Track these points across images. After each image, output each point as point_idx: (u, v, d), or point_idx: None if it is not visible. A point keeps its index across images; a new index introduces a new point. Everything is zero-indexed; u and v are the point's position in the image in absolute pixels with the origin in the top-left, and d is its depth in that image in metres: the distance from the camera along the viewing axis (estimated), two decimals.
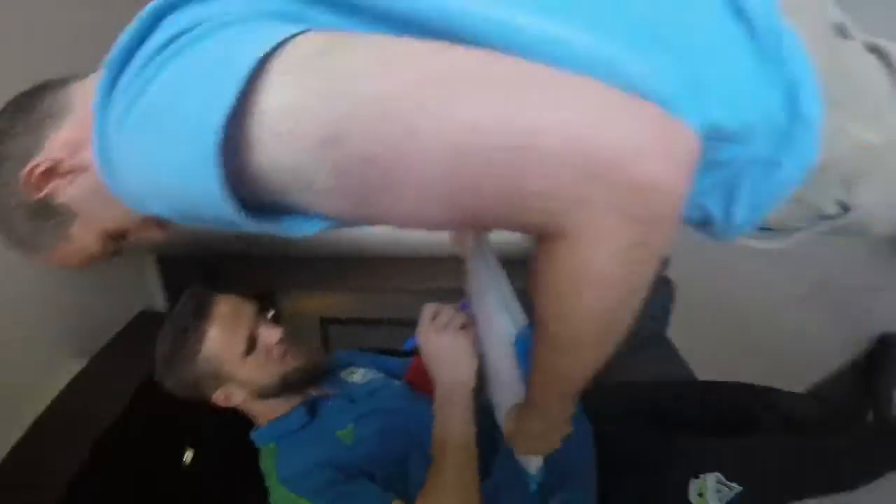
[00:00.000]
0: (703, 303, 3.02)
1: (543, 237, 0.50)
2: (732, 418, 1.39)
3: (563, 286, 0.52)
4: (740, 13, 0.65)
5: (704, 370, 2.28)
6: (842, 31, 0.76)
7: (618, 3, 0.61)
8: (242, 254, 2.65)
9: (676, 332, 3.36)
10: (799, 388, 1.78)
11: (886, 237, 1.00)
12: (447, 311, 1.19)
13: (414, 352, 1.35)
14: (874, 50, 0.81)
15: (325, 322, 3.78)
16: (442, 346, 1.14)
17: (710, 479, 1.18)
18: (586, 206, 0.45)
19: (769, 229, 0.86)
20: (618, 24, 0.60)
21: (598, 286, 0.51)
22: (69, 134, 0.71)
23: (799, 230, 0.86)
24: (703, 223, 0.79)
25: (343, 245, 2.90)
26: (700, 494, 1.17)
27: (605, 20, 0.59)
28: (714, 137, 0.63)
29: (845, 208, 0.83)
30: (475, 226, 0.52)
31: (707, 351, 2.88)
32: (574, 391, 0.76)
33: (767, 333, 2.45)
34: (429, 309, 1.13)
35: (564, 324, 0.57)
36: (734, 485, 1.19)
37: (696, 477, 1.18)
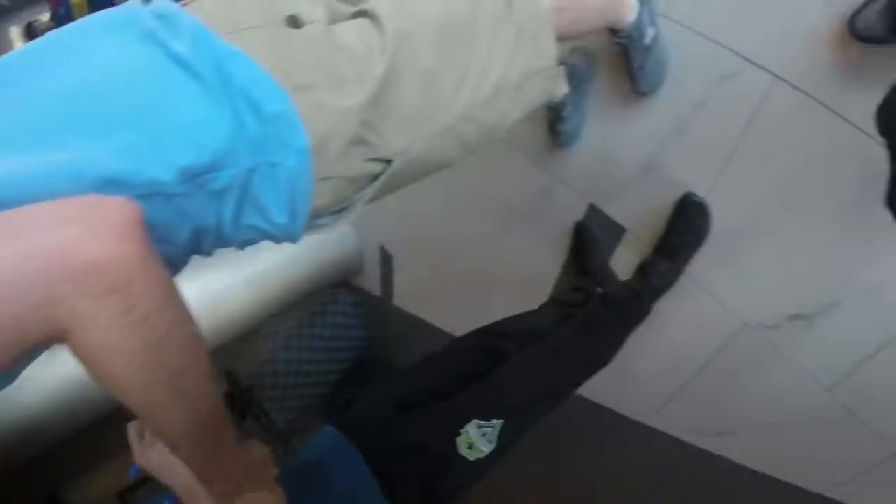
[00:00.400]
0: (424, 274, 3.30)
1: (62, 341, 0.53)
2: (479, 366, 1.45)
3: (96, 370, 0.55)
4: (182, 65, 0.72)
5: (458, 329, 2.37)
6: (294, 22, 0.84)
7: (67, 110, 0.67)
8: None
9: (408, 302, 3.72)
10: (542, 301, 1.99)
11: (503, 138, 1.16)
12: None
13: (144, 477, 1.31)
14: (360, 14, 0.92)
15: (123, 494, 3.69)
16: (159, 457, 1.06)
17: (471, 428, 1.25)
18: (62, 304, 0.49)
19: (336, 212, 0.95)
20: (69, 128, 0.66)
21: (117, 356, 0.54)
22: None
23: (360, 199, 0.95)
24: (265, 236, 0.86)
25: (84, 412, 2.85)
26: (469, 446, 1.25)
27: (56, 130, 0.66)
28: (199, 174, 0.71)
29: (386, 160, 0.93)
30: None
31: (449, 310, 3.18)
32: (205, 448, 0.74)
33: (490, 276, 2.66)
34: (133, 429, 1.05)
35: (126, 397, 0.59)
36: (493, 421, 1.28)
37: (458, 434, 1.25)
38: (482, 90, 1.01)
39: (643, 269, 1.75)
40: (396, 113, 0.92)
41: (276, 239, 0.88)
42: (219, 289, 3.34)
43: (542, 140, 1.94)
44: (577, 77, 1.61)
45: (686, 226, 1.62)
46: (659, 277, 1.72)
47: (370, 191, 0.95)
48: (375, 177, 0.94)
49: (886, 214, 1.25)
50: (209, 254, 0.85)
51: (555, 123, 1.76)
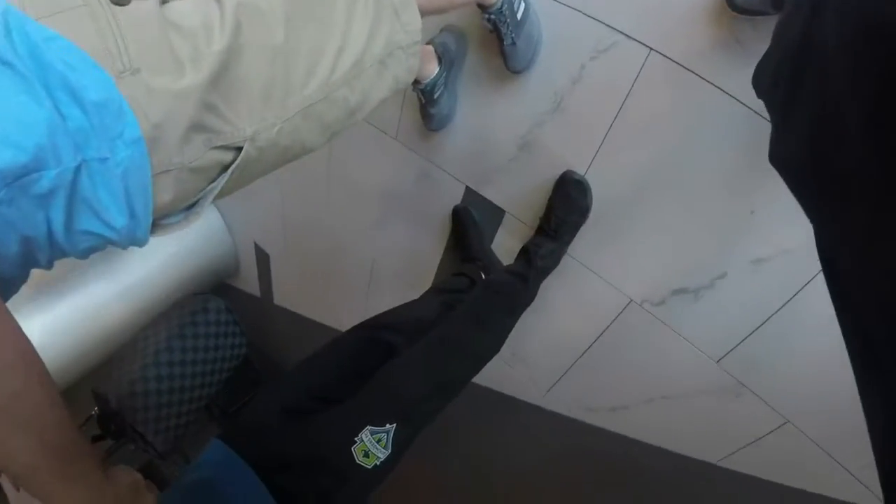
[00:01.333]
0: (303, 270, 3.25)
1: None
2: (365, 362, 1.39)
3: None
4: (3, 62, 0.63)
5: (343, 324, 2.39)
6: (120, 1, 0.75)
7: None
8: None
9: (290, 300, 3.70)
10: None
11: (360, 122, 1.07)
12: None
13: None
14: None
15: None
16: None
17: (365, 435, 1.20)
18: None
19: (187, 209, 0.86)
20: None
21: None
22: None
23: (212, 191, 0.86)
24: (106, 242, 0.78)
25: None
26: (365, 454, 1.19)
27: None
28: (18, 177, 0.62)
29: (236, 148, 0.85)
30: None
31: (332, 306, 3.17)
32: (62, 482, 0.68)
33: (371, 266, 2.62)
34: (7, 478, 0.97)
35: None
36: (387, 425, 1.22)
37: (353, 443, 1.19)
38: (340, 67, 0.93)
39: (526, 252, 1.71)
40: (242, 94, 0.83)
41: (120, 244, 0.79)
42: (91, 305, 3.16)
43: (415, 124, 1.86)
44: (447, 57, 1.52)
45: (567, 204, 1.58)
46: (542, 259, 1.68)
47: (221, 182, 0.86)
48: (226, 167, 0.85)
49: (768, 182, 1.26)
50: (48, 266, 0.76)
51: (427, 106, 1.67)
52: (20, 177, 0.62)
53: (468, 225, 1.92)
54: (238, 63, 0.82)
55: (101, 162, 0.69)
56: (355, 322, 1.53)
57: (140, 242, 0.81)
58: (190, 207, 0.87)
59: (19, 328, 0.59)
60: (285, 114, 0.89)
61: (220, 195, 0.89)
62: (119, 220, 0.74)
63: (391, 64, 1.02)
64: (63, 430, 0.64)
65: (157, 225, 0.84)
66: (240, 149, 0.85)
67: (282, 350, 4.72)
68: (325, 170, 2.41)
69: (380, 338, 1.47)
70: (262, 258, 3.62)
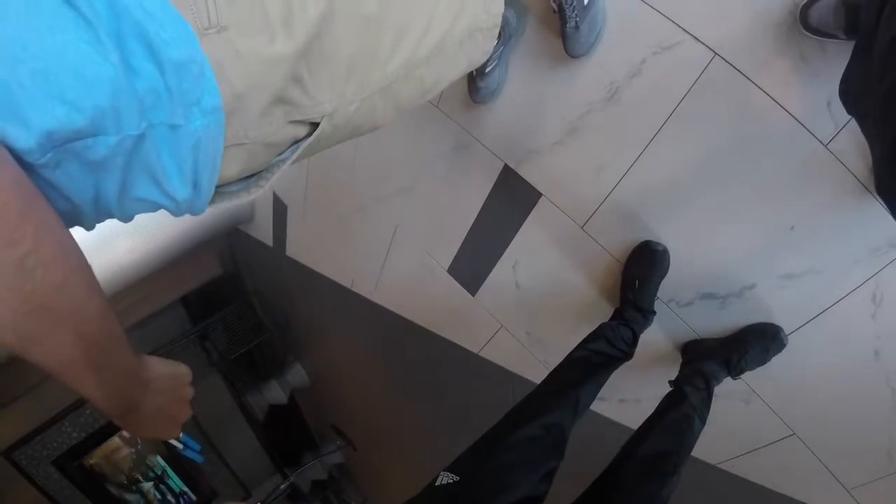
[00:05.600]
0: (321, 227, 3.17)
1: None
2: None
3: None
4: (66, 1, 0.53)
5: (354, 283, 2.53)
6: None
7: None
8: None
9: (302, 254, 3.68)
10: None
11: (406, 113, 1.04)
12: None
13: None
14: None
15: (11, 451, 3.49)
16: None
17: None
18: None
19: (247, 178, 0.82)
20: None
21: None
22: None
23: (278, 166, 0.82)
24: (159, 209, 0.73)
25: None
26: None
27: None
28: (70, 141, 0.55)
29: (313, 123, 0.80)
30: None
31: (346, 265, 3.09)
32: (98, 375, 0.63)
33: (393, 230, 2.60)
34: None
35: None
36: None
37: None
38: (424, 45, 0.90)
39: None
40: (328, 66, 0.78)
41: (174, 213, 0.74)
42: (103, 237, 3.11)
43: (459, 94, 1.84)
44: (506, 31, 1.50)
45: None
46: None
47: (292, 157, 0.82)
48: (297, 141, 0.81)
49: (811, 201, 1.26)
50: (89, 228, 0.69)
51: (476, 78, 1.65)
52: (72, 140, 0.55)
53: (662, 270, 1.60)
54: (329, 31, 0.76)
55: (171, 129, 0.62)
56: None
57: (197, 212, 0.75)
58: (250, 177, 0.83)
59: (60, 222, 0.54)
60: (365, 91, 0.85)
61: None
62: (181, 191, 0.68)
63: (469, 46, 1.00)
64: (102, 322, 0.59)
65: (216, 193, 0.77)
66: (315, 124, 0.81)
67: (286, 301, 4.76)
68: None
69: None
70: (280, 209, 3.61)
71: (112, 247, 3.20)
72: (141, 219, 2.53)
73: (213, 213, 3.65)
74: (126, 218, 0.71)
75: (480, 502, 1.18)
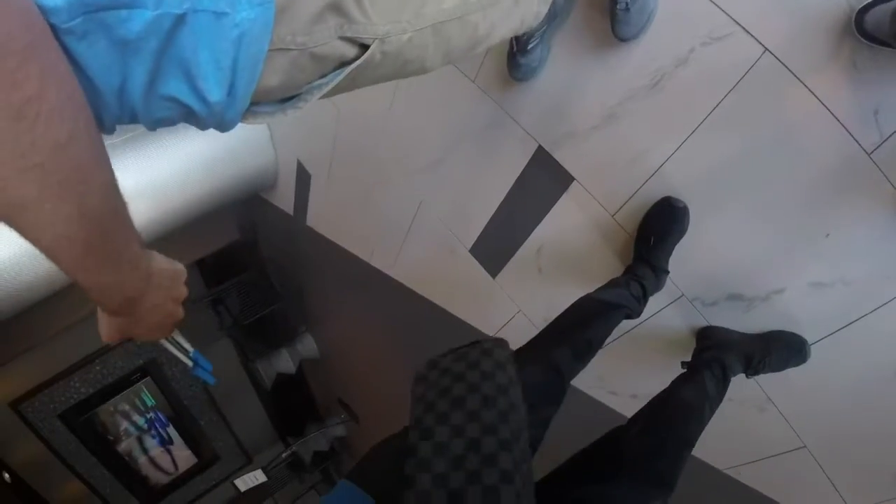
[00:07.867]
0: (343, 198, 3.12)
1: None
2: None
3: None
4: None
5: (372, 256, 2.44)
6: None
7: None
8: None
9: (322, 224, 3.63)
10: None
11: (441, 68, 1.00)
12: None
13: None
14: None
15: (18, 403, 3.44)
16: None
17: None
18: None
19: (282, 101, 0.77)
20: None
21: None
22: None
23: (318, 89, 0.77)
24: (186, 117, 0.66)
25: None
26: None
27: None
28: (104, 8, 0.50)
29: (363, 45, 0.77)
30: None
31: (366, 238, 3.06)
32: (78, 243, 0.55)
33: (418, 207, 2.57)
34: None
35: None
36: None
37: None
38: None
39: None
40: None
41: (202, 122, 0.67)
42: (125, 196, 3.15)
43: (498, 70, 1.81)
44: (553, 9, 1.47)
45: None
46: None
47: (334, 80, 0.78)
48: (344, 63, 0.77)
49: (849, 210, 1.23)
50: (110, 130, 0.62)
51: (517, 54, 1.62)
52: (105, 8, 0.50)
53: (680, 230, 1.55)
54: None
55: (215, 17, 0.56)
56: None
57: (227, 126, 0.70)
58: (286, 100, 0.79)
59: (71, 71, 0.48)
60: (419, 23, 0.83)
61: (324, 96, 0.81)
62: (215, 92, 0.62)
63: (524, 3, 0.98)
64: (107, 197, 0.54)
65: (248, 110, 0.73)
66: (366, 47, 0.77)
67: (302, 271, 4.77)
68: (388, 100, 2.37)
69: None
70: (303, 177, 3.61)
71: (132, 205, 3.22)
72: (163, 178, 2.55)
73: (235, 178, 3.66)
74: (150, 121, 0.64)
75: None
